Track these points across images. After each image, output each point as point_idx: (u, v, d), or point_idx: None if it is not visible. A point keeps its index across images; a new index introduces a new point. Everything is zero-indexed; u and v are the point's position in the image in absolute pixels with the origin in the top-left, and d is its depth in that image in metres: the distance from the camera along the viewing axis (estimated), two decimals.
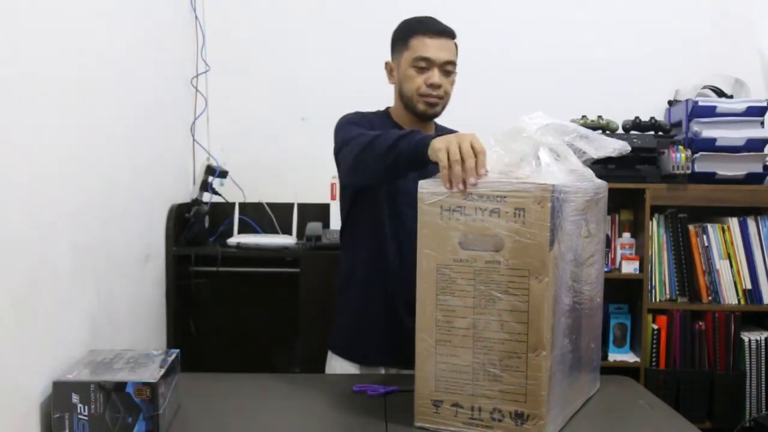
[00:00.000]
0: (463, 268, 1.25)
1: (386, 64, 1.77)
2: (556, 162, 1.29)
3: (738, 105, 2.45)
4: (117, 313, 1.79)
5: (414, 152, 1.38)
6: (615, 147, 1.37)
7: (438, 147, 1.29)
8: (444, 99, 1.71)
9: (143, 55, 2.06)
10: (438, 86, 1.67)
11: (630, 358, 2.50)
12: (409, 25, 1.73)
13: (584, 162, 1.38)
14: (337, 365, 1.78)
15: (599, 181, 1.46)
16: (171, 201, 2.40)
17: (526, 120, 1.32)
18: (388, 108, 1.83)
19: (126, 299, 1.90)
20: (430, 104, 1.69)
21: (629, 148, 1.41)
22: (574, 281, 1.32)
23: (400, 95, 1.74)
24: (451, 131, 1.78)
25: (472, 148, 1.25)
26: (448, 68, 1.69)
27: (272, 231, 2.66)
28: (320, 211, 2.62)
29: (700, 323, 2.45)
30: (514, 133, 1.29)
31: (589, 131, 1.36)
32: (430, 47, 1.67)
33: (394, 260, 1.71)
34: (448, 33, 1.70)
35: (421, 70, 1.67)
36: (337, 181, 2.60)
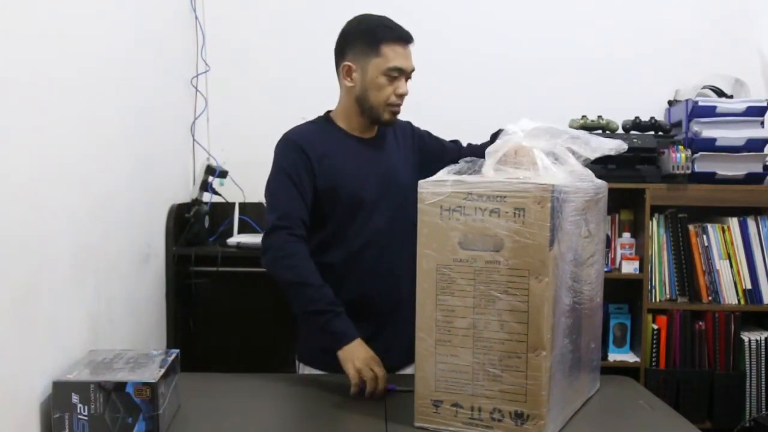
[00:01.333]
0: (463, 268, 1.25)
1: (344, 65, 1.68)
2: (554, 165, 1.29)
3: (738, 105, 2.45)
4: (117, 313, 1.79)
5: (328, 336, 1.54)
6: (611, 147, 1.38)
7: (352, 366, 1.48)
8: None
9: (143, 55, 2.06)
10: (404, 95, 1.66)
11: (630, 358, 2.50)
12: (376, 28, 1.65)
13: (582, 162, 1.38)
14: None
15: (599, 181, 1.46)
16: (171, 201, 2.40)
17: (513, 127, 1.33)
18: (328, 112, 1.78)
19: (126, 299, 1.90)
20: (395, 113, 1.68)
21: (626, 147, 1.42)
22: (574, 281, 1.32)
23: (360, 100, 1.67)
24: (393, 129, 1.78)
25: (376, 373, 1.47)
26: (410, 76, 1.68)
27: None
28: None
29: (700, 323, 2.45)
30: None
31: (580, 132, 1.36)
32: (402, 57, 1.64)
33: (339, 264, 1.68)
34: (412, 39, 1.66)
35: (392, 79, 1.64)
36: None
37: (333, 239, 1.68)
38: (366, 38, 1.65)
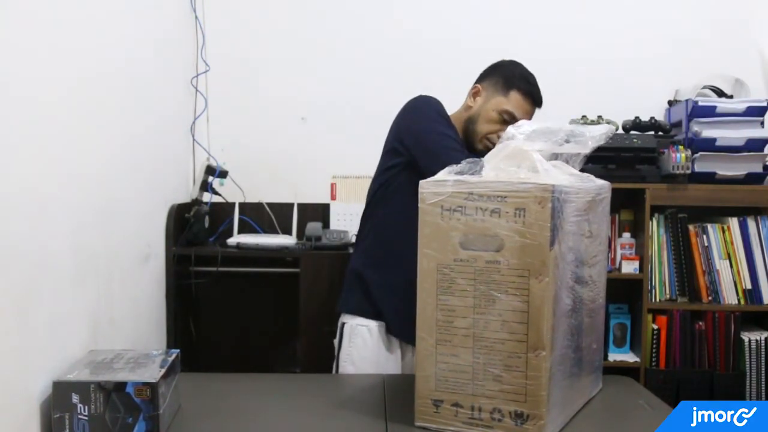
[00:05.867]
0: (463, 268, 1.25)
1: (475, 86, 1.84)
2: (555, 168, 1.30)
3: (738, 105, 2.45)
4: (117, 313, 1.79)
5: None
6: (602, 132, 1.39)
7: None
8: None
9: (143, 55, 2.06)
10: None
11: (630, 358, 2.50)
12: (519, 75, 1.80)
13: (582, 160, 1.39)
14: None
15: (601, 181, 1.47)
16: (171, 201, 2.40)
17: (512, 130, 1.34)
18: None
19: (126, 299, 1.89)
20: (487, 148, 1.75)
21: (614, 128, 1.43)
22: (576, 282, 1.32)
23: (469, 122, 1.80)
24: None
25: None
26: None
27: (272, 231, 2.66)
28: (320, 211, 2.62)
29: (700, 323, 2.45)
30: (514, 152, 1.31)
31: (574, 126, 1.39)
32: (523, 111, 1.77)
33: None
34: (540, 104, 1.80)
35: (503, 122, 1.74)
36: (336, 181, 2.62)
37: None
38: (506, 78, 1.81)
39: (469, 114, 1.82)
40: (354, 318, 1.78)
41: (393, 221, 1.76)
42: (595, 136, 1.38)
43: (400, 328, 1.74)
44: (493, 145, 1.69)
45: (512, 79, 1.79)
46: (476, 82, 1.85)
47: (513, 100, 1.77)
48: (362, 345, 1.75)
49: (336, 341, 1.79)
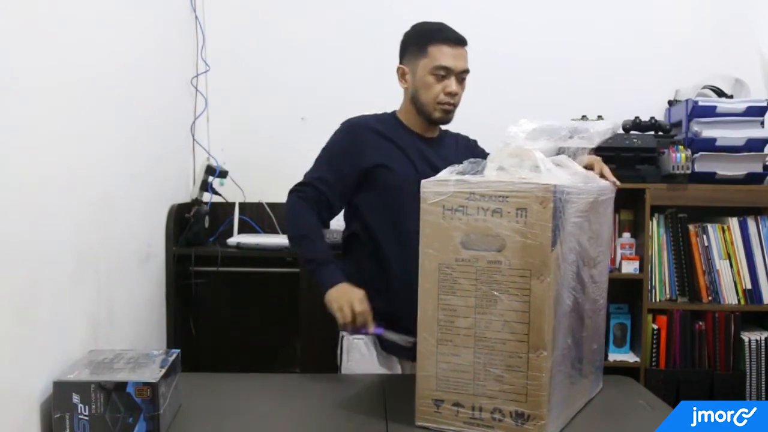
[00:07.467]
0: (465, 268, 1.25)
1: (398, 68, 1.78)
2: (557, 167, 1.30)
3: (738, 105, 2.45)
4: (117, 313, 1.79)
5: (315, 282, 1.65)
6: (608, 127, 1.39)
7: (335, 306, 1.58)
8: (457, 106, 1.75)
9: (143, 55, 2.06)
10: (455, 94, 1.71)
11: (630, 358, 2.50)
12: (425, 31, 1.74)
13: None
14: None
15: (604, 182, 1.46)
16: (171, 201, 2.40)
17: (513, 129, 1.34)
18: (395, 111, 1.83)
19: (126, 299, 1.89)
20: (446, 111, 1.73)
21: (620, 125, 1.43)
22: (577, 282, 1.32)
23: (414, 100, 1.75)
24: (456, 136, 1.87)
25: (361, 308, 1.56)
26: (463, 76, 1.73)
27: (272, 231, 2.66)
28: None
29: (700, 323, 2.45)
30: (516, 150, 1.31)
31: (577, 123, 1.39)
32: (449, 56, 1.70)
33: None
34: (463, 41, 1.73)
35: (440, 78, 1.70)
36: None
37: (386, 224, 1.73)
38: (416, 42, 1.74)
39: (409, 94, 1.77)
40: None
41: (360, 244, 1.77)
42: (600, 131, 1.38)
43: (393, 345, 1.74)
44: (451, 105, 1.72)
45: (422, 39, 1.73)
46: (397, 66, 1.79)
47: (435, 54, 1.69)
48: (360, 359, 1.75)
49: (338, 355, 1.79)
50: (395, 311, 1.66)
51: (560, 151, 1.37)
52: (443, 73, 1.69)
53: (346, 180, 1.74)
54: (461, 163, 1.72)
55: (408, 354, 1.71)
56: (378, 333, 1.52)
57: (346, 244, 1.83)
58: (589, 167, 1.52)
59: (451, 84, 1.70)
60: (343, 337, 1.78)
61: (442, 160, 1.73)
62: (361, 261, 1.76)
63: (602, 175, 1.52)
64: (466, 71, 1.73)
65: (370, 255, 1.75)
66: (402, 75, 1.77)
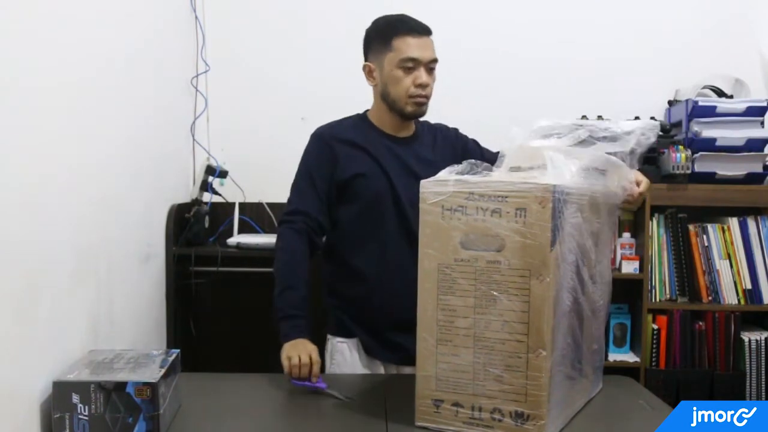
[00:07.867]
0: (464, 268, 1.25)
1: (364, 66, 1.74)
2: (565, 162, 1.28)
3: (738, 105, 2.45)
4: (117, 313, 1.79)
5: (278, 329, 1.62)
6: (638, 125, 1.38)
7: (283, 356, 1.54)
8: (429, 98, 1.71)
9: (143, 55, 2.06)
10: (426, 85, 1.68)
11: (630, 358, 2.50)
12: (387, 24, 1.70)
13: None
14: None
15: (617, 189, 1.46)
16: (171, 201, 2.40)
17: (516, 129, 1.34)
18: (366, 111, 1.81)
19: (126, 299, 1.89)
20: (419, 104, 1.70)
21: (655, 123, 1.41)
22: (577, 282, 1.32)
23: (384, 97, 1.71)
24: (435, 128, 1.84)
25: (310, 359, 1.52)
26: (431, 66, 1.69)
27: (272, 231, 2.65)
28: None
29: (700, 323, 2.45)
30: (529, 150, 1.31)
31: (596, 122, 1.36)
32: (415, 47, 1.66)
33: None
34: (428, 31, 1.69)
35: (408, 70, 1.66)
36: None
37: (362, 232, 1.72)
38: (380, 36, 1.70)
39: (379, 92, 1.72)
40: (334, 336, 1.79)
41: (341, 251, 1.77)
42: (628, 131, 1.37)
43: (375, 349, 1.75)
44: (423, 98, 1.68)
45: (385, 32, 1.68)
46: (363, 64, 1.76)
47: (400, 46, 1.65)
48: (342, 362, 1.76)
49: (324, 357, 1.79)
50: (375, 321, 1.71)
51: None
52: (411, 65, 1.65)
53: (329, 196, 1.73)
54: (440, 158, 1.74)
55: (391, 358, 1.73)
56: (321, 387, 1.52)
57: (327, 253, 1.82)
58: (637, 183, 1.52)
59: (421, 75, 1.66)
60: (327, 341, 1.79)
61: (418, 160, 1.73)
62: (338, 272, 1.77)
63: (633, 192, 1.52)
64: (435, 60, 1.69)
65: (345, 264, 1.75)
66: (369, 73, 1.73)
